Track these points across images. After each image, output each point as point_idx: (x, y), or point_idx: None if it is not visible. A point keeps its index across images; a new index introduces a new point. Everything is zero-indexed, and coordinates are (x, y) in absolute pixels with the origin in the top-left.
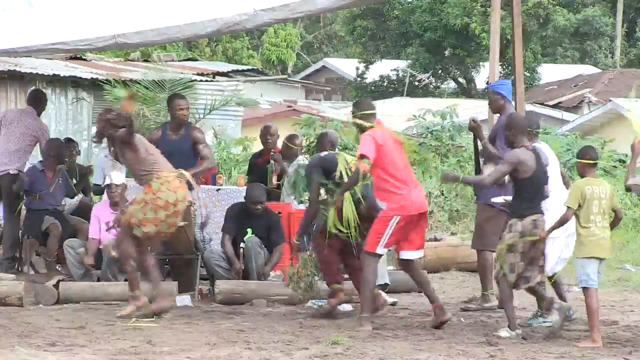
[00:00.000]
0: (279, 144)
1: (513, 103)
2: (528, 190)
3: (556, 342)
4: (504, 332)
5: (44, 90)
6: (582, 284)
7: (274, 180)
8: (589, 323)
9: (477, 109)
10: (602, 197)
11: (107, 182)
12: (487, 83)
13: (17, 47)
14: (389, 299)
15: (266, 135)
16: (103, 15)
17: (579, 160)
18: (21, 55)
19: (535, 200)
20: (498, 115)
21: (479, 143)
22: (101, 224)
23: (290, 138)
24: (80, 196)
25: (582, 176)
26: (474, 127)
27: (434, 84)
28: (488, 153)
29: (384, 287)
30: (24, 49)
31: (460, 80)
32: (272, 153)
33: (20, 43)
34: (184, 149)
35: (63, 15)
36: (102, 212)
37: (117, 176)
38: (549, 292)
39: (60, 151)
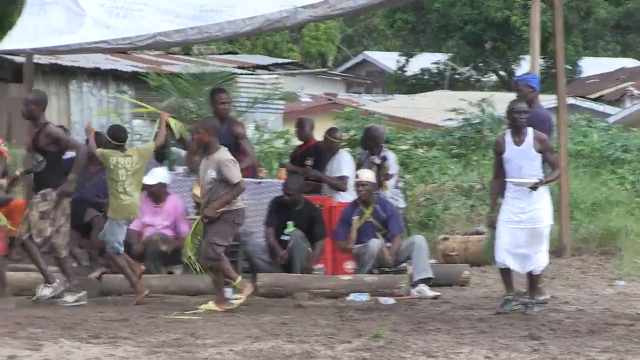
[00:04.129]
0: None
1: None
2: None
3: (600, 336)
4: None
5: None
6: None
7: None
8: None
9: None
10: None
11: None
12: (517, 76)
13: (58, 46)
14: (432, 292)
15: (297, 127)
16: (144, 15)
17: None
18: (62, 54)
19: None
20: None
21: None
22: (142, 217)
23: (330, 131)
24: None
25: None
26: None
27: (474, 77)
28: None
29: (427, 280)
30: (66, 47)
31: (501, 73)
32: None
33: (62, 41)
34: (225, 144)
35: (106, 14)
36: (143, 205)
37: (156, 175)
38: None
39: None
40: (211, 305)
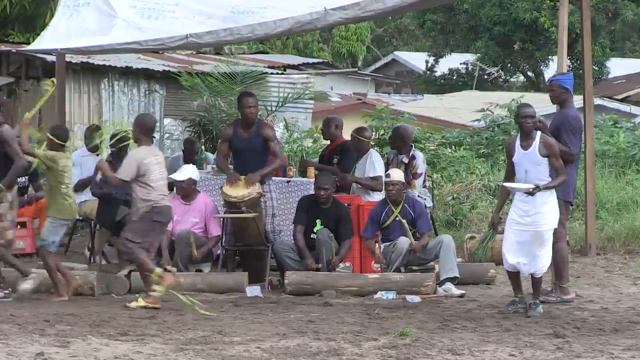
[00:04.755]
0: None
1: (580, 97)
2: None
3: (624, 335)
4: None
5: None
6: None
7: None
8: None
9: (545, 103)
10: None
11: (175, 177)
12: (552, 76)
13: (90, 47)
14: (458, 291)
15: (323, 126)
16: (176, 16)
17: None
18: (93, 54)
19: None
20: (558, 107)
21: None
22: (172, 216)
23: (359, 131)
24: None
25: None
26: (540, 128)
27: (503, 77)
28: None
29: (453, 279)
30: (97, 47)
31: (529, 74)
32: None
33: (94, 42)
34: (255, 147)
35: (138, 15)
36: (173, 202)
37: (186, 171)
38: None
39: (126, 145)
40: (140, 302)
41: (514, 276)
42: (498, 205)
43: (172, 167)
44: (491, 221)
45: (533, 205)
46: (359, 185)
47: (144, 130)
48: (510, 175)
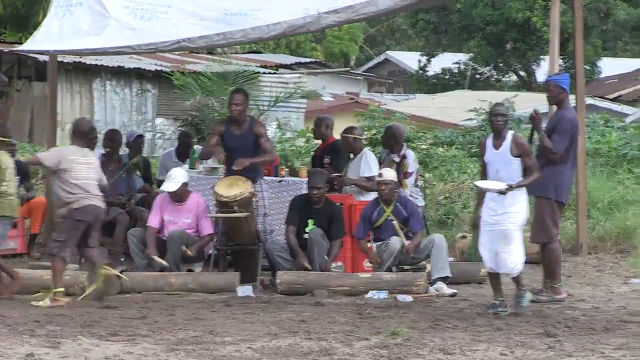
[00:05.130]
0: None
1: (572, 96)
2: None
3: (615, 334)
4: None
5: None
6: None
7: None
8: None
9: (537, 102)
10: None
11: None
12: (549, 75)
13: (83, 49)
14: (449, 290)
15: (314, 125)
16: (169, 17)
17: None
18: (86, 55)
19: None
20: (555, 107)
21: (536, 136)
22: (163, 215)
23: (348, 130)
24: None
25: None
26: (534, 118)
27: (495, 77)
28: (543, 145)
29: (444, 279)
30: (89, 50)
31: (521, 73)
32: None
33: (86, 44)
34: (247, 144)
35: (130, 16)
36: (164, 204)
37: (177, 178)
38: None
39: (117, 144)
40: (47, 301)
41: (494, 278)
42: (476, 204)
43: (163, 164)
44: (472, 222)
45: (502, 204)
46: (354, 187)
47: (77, 133)
48: (484, 175)
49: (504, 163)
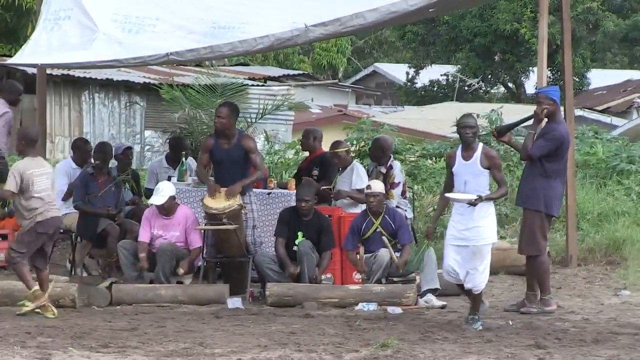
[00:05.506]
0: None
1: (562, 108)
2: None
3: (605, 345)
4: None
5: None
6: None
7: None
8: None
9: (526, 114)
10: None
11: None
12: (537, 88)
13: (70, 63)
14: (439, 302)
15: (302, 138)
16: (157, 30)
17: None
18: (74, 68)
19: None
20: (546, 120)
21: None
22: (152, 229)
23: (335, 145)
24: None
25: None
26: (537, 114)
27: (483, 88)
28: (524, 142)
29: (434, 291)
30: (77, 64)
31: (510, 85)
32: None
33: (74, 58)
34: (235, 158)
35: (119, 29)
36: (153, 216)
37: (164, 192)
38: None
39: (106, 157)
40: (29, 304)
41: (464, 288)
42: (435, 215)
43: (152, 172)
44: (426, 232)
45: (470, 218)
46: (345, 199)
47: (28, 141)
48: (449, 187)
49: (472, 174)
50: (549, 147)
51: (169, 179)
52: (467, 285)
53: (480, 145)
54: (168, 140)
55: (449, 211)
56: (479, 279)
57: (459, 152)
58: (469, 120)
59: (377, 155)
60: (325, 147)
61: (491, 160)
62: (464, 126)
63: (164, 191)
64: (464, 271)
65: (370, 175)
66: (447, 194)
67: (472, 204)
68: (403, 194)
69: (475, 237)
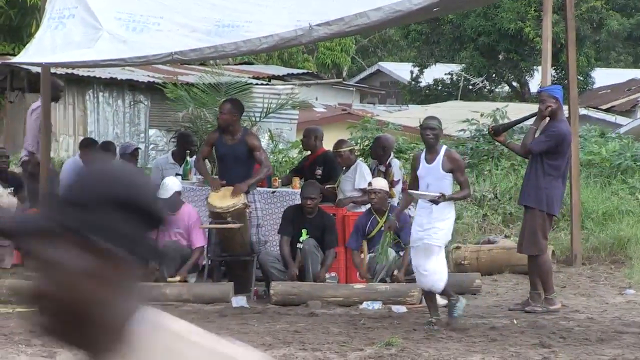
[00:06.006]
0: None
1: (565, 107)
2: None
3: (610, 344)
4: None
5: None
6: None
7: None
8: None
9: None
10: None
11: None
12: (540, 87)
13: (75, 62)
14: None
15: (303, 137)
16: (161, 29)
17: None
18: (78, 67)
19: None
20: (548, 119)
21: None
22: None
23: (339, 145)
24: None
25: None
26: (541, 111)
27: (488, 87)
28: (525, 137)
29: None
30: (82, 62)
31: (514, 84)
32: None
33: (78, 57)
34: (238, 154)
35: (122, 28)
36: None
37: (170, 187)
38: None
39: (111, 156)
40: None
41: (429, 296)
42: (398, 211)
43: (158, 168)
44: (387, 224)
45: (429, 219)
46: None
47: None
48: (414, 187)
49: (435, 178)
50: (549, 144)
51: (177, 175)
52: (427, 287)
53: (444, 147)
54: (174, 137)
55: None
56: (431, 279)
57: (423, 155)
58: (431, 122)
59: (378, 153)
60: (329, 146)
61: (454, 163)
62: (425, 127)
63: (169, 186)
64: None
65: (373, 174)
66: (411, 191)
67: (435, 201)
68: (403, 191)
69: (428, 236)
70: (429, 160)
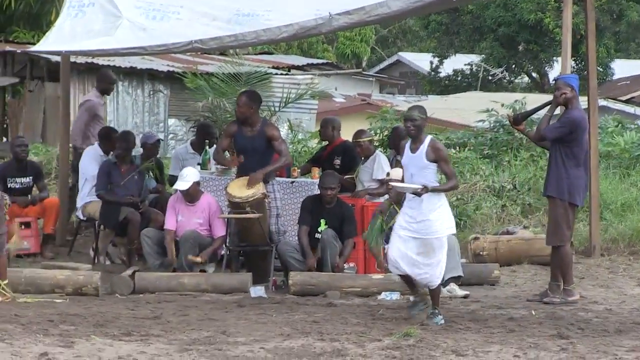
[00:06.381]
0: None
1: (583, 98)
2: None
3: (628, 336)
4: None
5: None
6: None
7: None
8: None
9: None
10: None
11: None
12: (557, 76)
13: (94, 50)
14: (462, 291)
15: (321, 127)
16: (181, 17)
17: None
18: (98, 56)
19: None
20: (564, 108)
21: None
22: (177, 216)
23: (358, 135)
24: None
25: None
26: (556, 97)
27: (507, 78)
28: (539, 124)
29: (457, 279)
30: (102, 51)
31: (534, 75)
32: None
33: (98, 45)
34: (257, 146)
35: (142, 16)
36: (178, 203)
37: (189, 177)
38: None
39: (130, 145)
40: None
41: (406, 278)
42: (388, 200)
43: (177, 158)
44: (379, 208)
45: (419, 211)
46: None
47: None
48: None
49: (418, 167)
50: (562, 131)
51: (197, 165)
52: (424, 282)
53: (429, 137)
54: (194, 127)
55: None
56: (431, 273)
57: (408, 144)
58: (412, 113)
59: (396, 143)
60: (349, 136)
61: (437, 153)
62: (406, 119)
63: (188, 176)
64: (407, 262)
65: (391, 165)
66: (392, 183)
67: (417, 194)
68: (384, 183)
69: (424, 230)
70: (413, 150)
